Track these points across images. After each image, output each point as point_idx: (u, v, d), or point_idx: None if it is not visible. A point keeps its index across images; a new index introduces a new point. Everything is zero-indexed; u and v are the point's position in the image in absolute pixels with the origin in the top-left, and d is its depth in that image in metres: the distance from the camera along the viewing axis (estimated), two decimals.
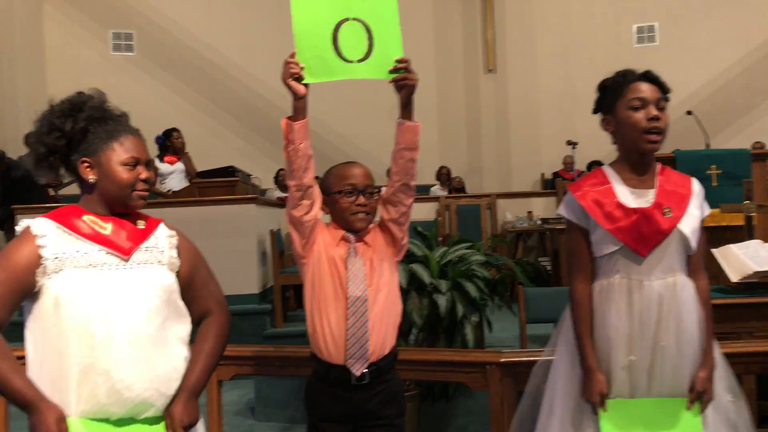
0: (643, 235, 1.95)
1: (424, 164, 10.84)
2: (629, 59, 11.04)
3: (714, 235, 3.94)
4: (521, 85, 11.44)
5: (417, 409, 3.76)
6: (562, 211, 2.08)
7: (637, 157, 2.02)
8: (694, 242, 2.01)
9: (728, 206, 3.83)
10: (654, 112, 1.97)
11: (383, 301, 2.08)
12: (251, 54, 10.96)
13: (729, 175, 4.03)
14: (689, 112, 6.06)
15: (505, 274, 4.41)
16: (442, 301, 3.73)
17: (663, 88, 2.04)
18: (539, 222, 7.82)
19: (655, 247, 1.96)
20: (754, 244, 3.66)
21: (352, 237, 2.11)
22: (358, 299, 2.02)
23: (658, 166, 2.09)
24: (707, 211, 2.08)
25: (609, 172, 2.08)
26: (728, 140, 10.40)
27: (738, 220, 3.88)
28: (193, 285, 1.89)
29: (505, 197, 8.60)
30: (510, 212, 8.26)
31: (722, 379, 2.06)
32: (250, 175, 7.61)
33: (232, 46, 11.02)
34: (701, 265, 2.10)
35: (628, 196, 2.01)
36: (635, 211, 1.97)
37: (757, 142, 10.11)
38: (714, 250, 3.76)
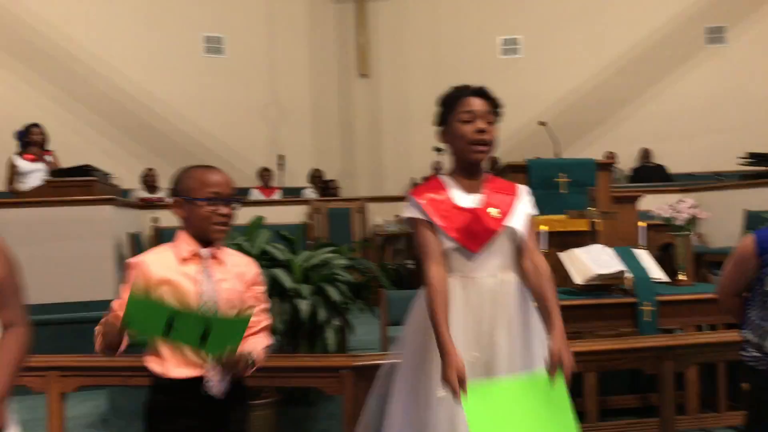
0: (475, 233, 2.06)
1: (297, 166, 10.85)
2: (495, 70, 11.59)
3: (561, 239, 4.18)
4: (393, 91, 11.65)
5: (276, 415, 3.72)
6: (407, 213, 2.15)
7: (468, 166, 2.14)
8: (524, 234, 2.12)
9: (574, 212, 4.07)
10: (481, 125, 2.08)
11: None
12: (114, 47, 10.46)
13: (576, 183, 4.27)
14: (542, 123, 6.38)
15: (369, 278, 4.46)
16: (303, 305, 3.71)
17: (494, 104, 2.15)
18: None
19: (485, 244, 2.06)
20: (596, 249, 3.91)
21: (205, 253, 2.03)
22: None
23: (488, 175, 2.22)
24: (533, 210, 2.18)
25: (444, 179, 2.20)
26: (583, 150, 11.10)
27: (583, 225, 4.13)
28: (2, 293, 1.80)
29: (376, 201, 8.71)
30: (380, 216, 8.38)
31: None
32: (109, 175, 7.23)
33: (93, 38, 10.45)
34: (534, 246, 2.17)
35: (461, 199, 2.12)
36: (467, 211, 2.08)
37: (608, 152, 10.86)
38: (561, 254, 3.99)
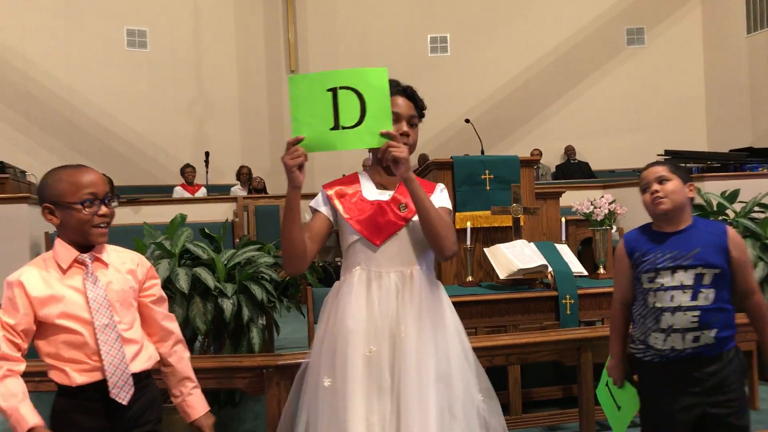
0: (378, 226, 2.04)
1: (225, 163, 10.66)
2: (424, 67, 11.68)
3: (486, 235, 4.24)
4: None
5: None
6: (312, 203, 2.13)
7: (393, 168, 2.08)
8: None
9: (498, 208, 4.13)
10: (404, 128, 2.07)
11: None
12: (31, 39, 10.01)
13: (500, 179, 4.32)
14: (467, 120, 6.45)
15: (295, 276, 4.40)
16: (227, 305, 3.62)
17: (419, 105, 2.14)
18: None
19: (389, 237, 2.04)
20: (519, 244, 3.98)
21: (87, 258, 1.92)
22: (106, 327, 1.88)
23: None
24: (447, 204, 2.13)
25: (362, 174, 2.19)
26: (512, 146, 11.35)
27: (507, 221, 4.20)
28: None
29: (305, 198, 8.61)
30: (309, 213, 8.29)
31: (474, 379, 2.08)
32: (25, 172, 6.93)
33: (9, 30, 9.98)
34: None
35: (371, 192, 2.11)
36: (373, 203, 2.07)
37: (535, 150, 11.11)
38: (485, 250, 4.05)
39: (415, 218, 2.03)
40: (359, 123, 1.92)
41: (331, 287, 2.17)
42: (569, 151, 11.34)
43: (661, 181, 2.24)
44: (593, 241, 4.27)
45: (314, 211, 2.12)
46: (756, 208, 4.72)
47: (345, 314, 2.01)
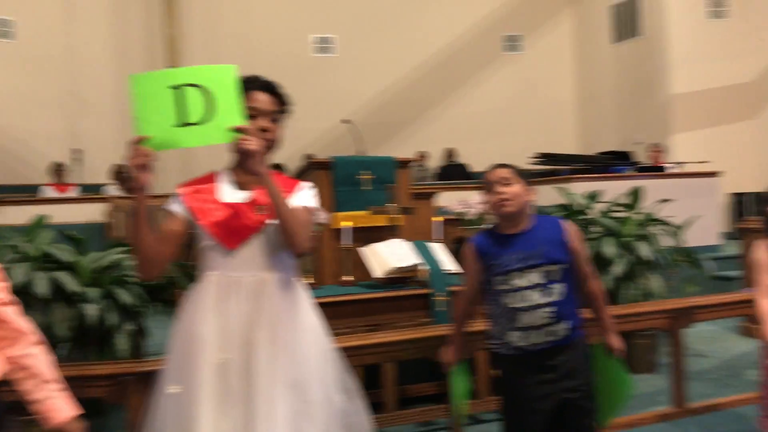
0: (233, 230, 1.99)
1: (100, 163, 10.14)
2: (307, 67, 11.61)
3: (364, 235, 4.27)
4: None
5: None
6: (166, 204, 2.05)
7: (245, 162, 2.04)
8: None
9: (375, 208, 4.17)
10: (263, 123, 2.02)
11: None
12: None
13: (378, 180, 4.38)
14: (346, 121, 6.48)
15: (167, 279, 4.24)
16: (90, 310, 3.46)
17: (282, 101, 2.10)
18: None
19: (244, 241, 1.99)
20: (395, 243, 4.04)
21: None
22: None
23: (271, 171, 2.08)
24: (312, 203, 2.10)
25: (221, 173, 2.11)
26: (397, 148, 11.42)
27: (384, 221, 4.25)
28: None
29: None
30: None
31: (334, 381, 2.06)
32: None
33: None
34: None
35: (228, 194, 2.05)
36: (228, 206, 2.01)
37: (419, 152, 11.32)
38: (362, 249, 4.08)
39: (272, 221, 1.97)
40: (207, 120, 1.88)
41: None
42: (451, 152, 11.65)
43: (505, 183, 2.34)
44: (466, 239, 4.40)
45: (168, 212, 2.04)
46: (615, 208, 5.03)
47: (196, 321, 1.95)
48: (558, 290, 2.29)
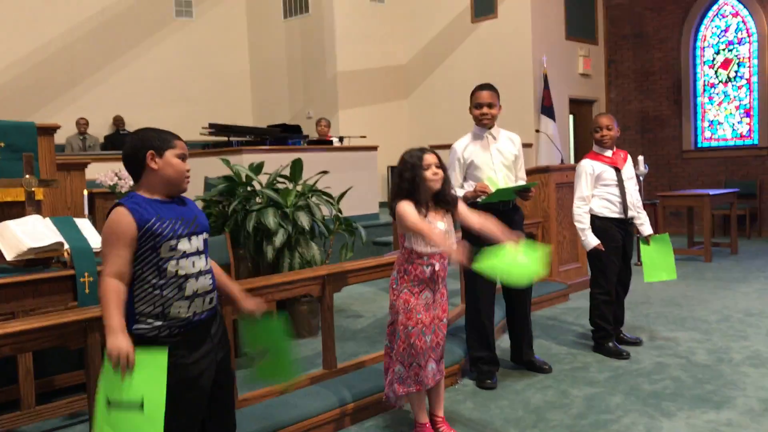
0: None
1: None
2: None
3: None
4: None
5: None
6: None
7: None
8: None
9: (6, 181, 3.66)
10: None
11: None
12: None
13: (14, 148, 3.84)
14: None
15: None
16: None
17: None
18: None
19: None
20: (32, 220, 3.57)
21: None
22: None
23: None
24: None
25: None
26: (54, 114, 10.28)
27: (20, 195, 3.75)
28: None
29: None
30: None
31: None
32: None
33: None
34: None
35: None
36: None
37: (81, 118, 10.38)
38: None
39: None
40: None
41: None
42: (118, 121, 10.90)
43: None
44: None
45: None
46: (278, 179, 5.14)
47: None
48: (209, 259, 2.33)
